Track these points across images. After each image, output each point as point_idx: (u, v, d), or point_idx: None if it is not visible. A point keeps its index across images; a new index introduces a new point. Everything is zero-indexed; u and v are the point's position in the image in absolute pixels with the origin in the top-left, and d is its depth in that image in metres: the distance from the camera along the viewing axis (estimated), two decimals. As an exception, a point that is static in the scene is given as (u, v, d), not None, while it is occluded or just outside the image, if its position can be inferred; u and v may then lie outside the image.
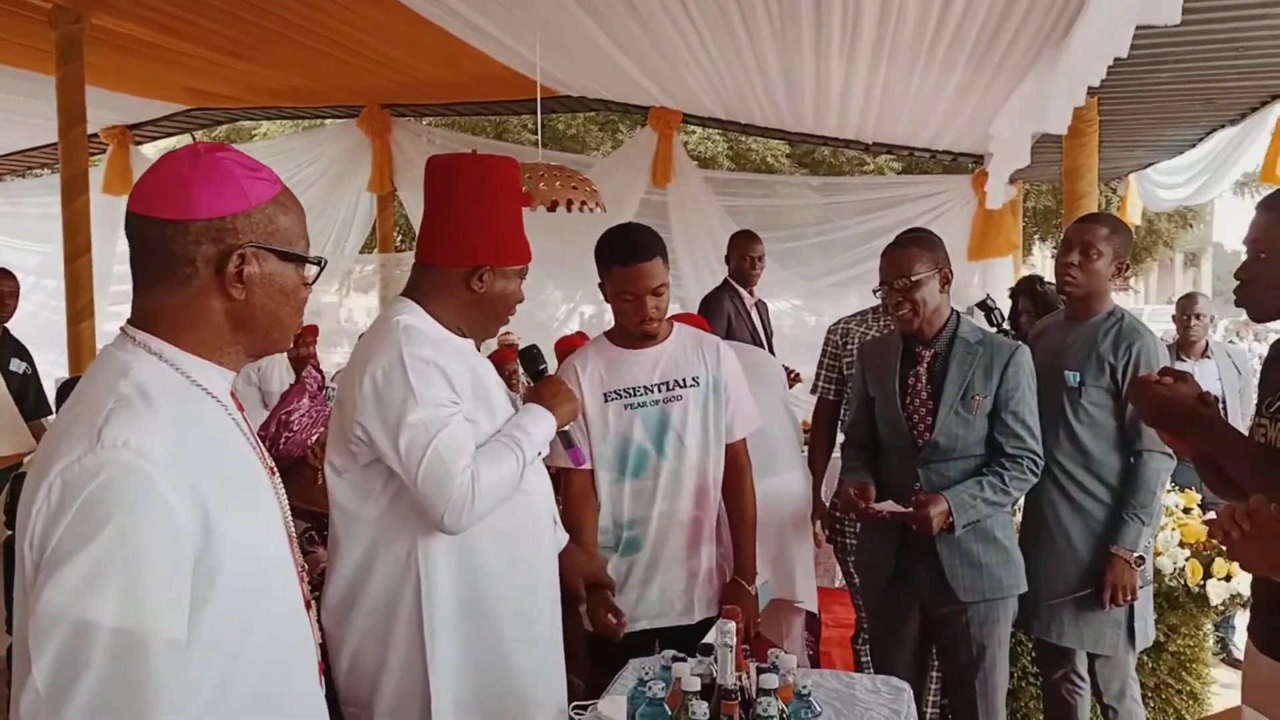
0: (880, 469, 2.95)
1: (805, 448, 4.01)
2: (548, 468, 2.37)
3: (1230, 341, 14.35)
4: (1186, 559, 3.53)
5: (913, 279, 2.80)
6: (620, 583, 2.73)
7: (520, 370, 5.08)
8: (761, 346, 5.01)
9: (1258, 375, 2.26)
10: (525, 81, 6.44)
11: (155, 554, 1.16)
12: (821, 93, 6.83)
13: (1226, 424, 2.00)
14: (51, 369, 6.57)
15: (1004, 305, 4.93)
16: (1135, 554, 2.91)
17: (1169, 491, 3.79)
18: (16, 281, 4.94)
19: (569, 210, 5.03)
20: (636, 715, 1.80)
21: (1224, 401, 5.11)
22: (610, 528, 2.74)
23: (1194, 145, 7.12)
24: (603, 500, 2.75)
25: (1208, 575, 3.51)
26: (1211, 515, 3.75)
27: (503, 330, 8.27)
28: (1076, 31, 3.72)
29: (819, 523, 3.83)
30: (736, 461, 2.84)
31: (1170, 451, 2.82)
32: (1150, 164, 7.98)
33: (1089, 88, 3.95)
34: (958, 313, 2.91)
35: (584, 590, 2.49)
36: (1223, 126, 6.50)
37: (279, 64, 7.33)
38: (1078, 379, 2.97)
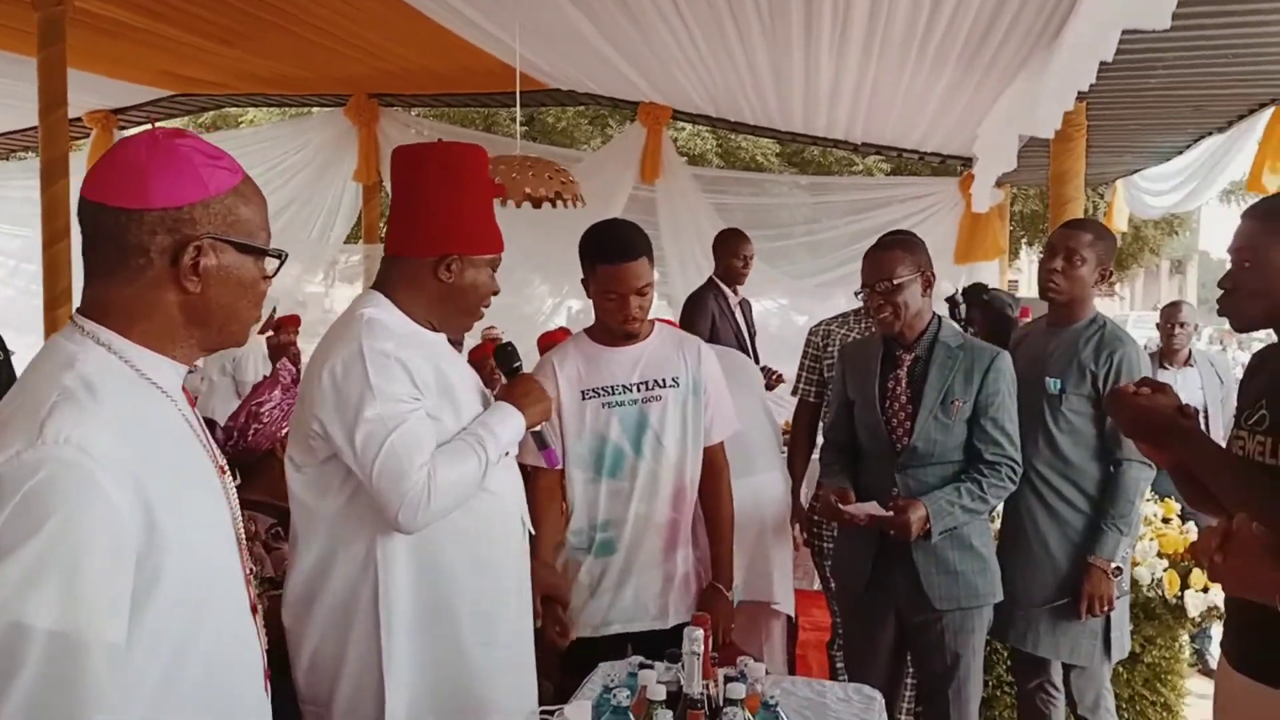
0: (858, 473, 2.92)
1: (785, 449, 3.99)
2: (520, 466, 2.34)
3: (1221, 348, 14.39)
4: (1164, 570, 3.51)
5: (894, 282, 2.77)
6: (594, 585, 2.69)
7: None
8: (745, 346, 4.98)
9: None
10: (512, 73, 6.39)
11: (95, 554, 1.12)
12: (811, 91, 6.81)
13: (1205, 436, 1.98)
14: (31, 355, 6.51)
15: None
16: (1113, 564, 2.89)
17: (1148, 501, 3.77)
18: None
19: (552, 206, 4.97)
20: (600, 723, 1.76)
21: (1206, 411, 5.11)
22: (585, 529, 2.70)
23: (1181, 152, 7.12)
24: (577, 500, 2.71)
25: (1185, 586, 3.49)
26: (1191, 526, 3.74)
27: (486, 324, 8.31)
28: (1067, 33, 3.70)
29: (797, 526, 3.80)
30: (714, 464, 2.81)
31: (1150, 461, 2.80)
32: (1138, 170, 7.99)
33: (1078, 92, 3.93)
34: (939, 317, 2.88)
35: (539, 604, 2.44)
36: (1210, 134, 6.49)
37: (265, 51, 7.26)
38: (1058, 386, 2.95)
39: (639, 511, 2.68)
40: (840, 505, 2.73)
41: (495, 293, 2.12)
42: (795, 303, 8.77)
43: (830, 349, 3.79)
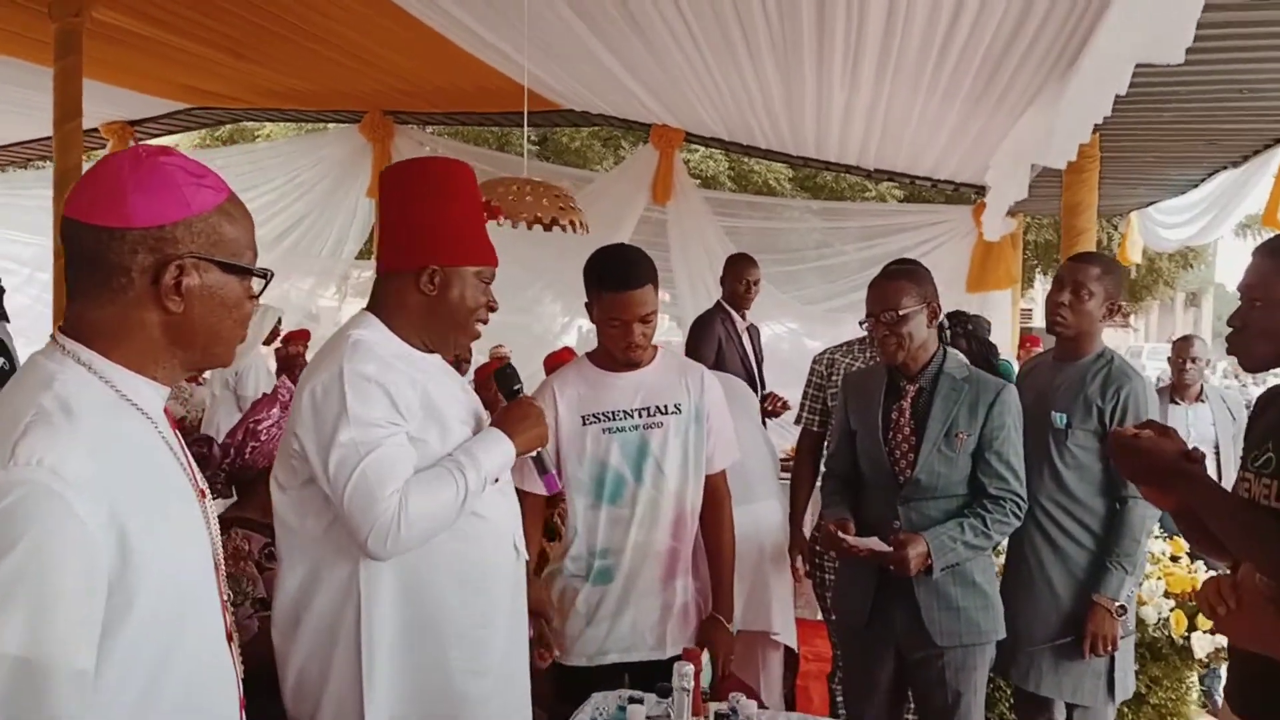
0: (860, 504, 2.88)
1: (782, 476, 3.96)
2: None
3: (1242, 384, 14.30)
4: (1171, 609, 3.46)
5: (899, 313, 2.74)
6: (591, 613, 2.66)
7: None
8: (752, 371, 4.95)
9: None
10: (530, 95, 6.40)
11: (65, 579, 1.10)
12: (823, 117, 6.81)
13: (1209, 480, 1.94)
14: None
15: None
16: (1117, 603, 2.85)
17: (1156, 539, 3.72)
18: (-2, 279, 4.87)
19: (545, 229, 4.96)
20: (588, 757, 1.73)
21: (1218, 447, 5.05)
22: (584, 555, 2.68)
23: (1196, 185, 7.09)
24: (578, 526, 2.68)
25: (1192, 627, 3.44)
26: (1199, 565, 3.69)
27: (494, 343, 8.30)
28: (1083, 65, 3.68)
29: (799, 556, 3.76)
30: (716, 493, 2.77)
31: (1155, 501, 2.76)
32: (1152, 202, 7.95)
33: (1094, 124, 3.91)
34: (945, 348, 2.85)
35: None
36: (1225, 168, 6.46)
37: (281, 66, 7.31)
38: (1064, 421, 2.91)
39: (638, 539, 2.65)
40: (840, 536, 2.69)
41: (492, 308, 2.09)
42: (807, 328, 8.74)
43: (834, 377, 3.76)
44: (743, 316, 5.11)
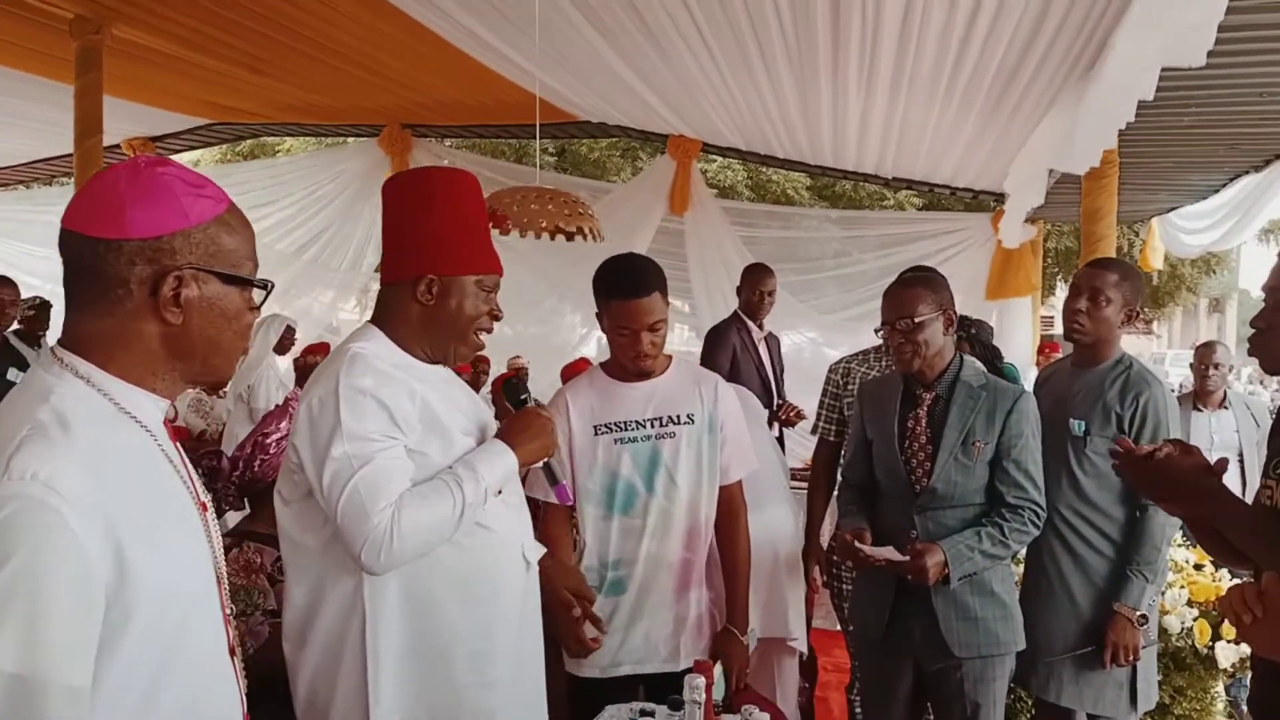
0: (877, 514, 2.86)
1: (797, 486, 3.94)
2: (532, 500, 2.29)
3: (1251, 391, 14.14)
4: (1194, 619, 3.41)
5: (915, 320, 2.71)
6: (604, 624, 2.64)
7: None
8: (768, 381, 4.93)
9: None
10: (546, 106, 6.43)
11: (59, 594, 1.09)
12: (839, 126, 6.79)
13: (1229, 493, 1.91)
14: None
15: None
16: (1139, 612, 2.81)
17: (1179, 546, 3.68)
18: (17, 290, 4.89)
19: (568, 239, 4.95)
20: (601, 769, 1.72)
21: (1242, 454, 5.00)
22: (595, 566, 2.66)
23: (1217, 190, 7.02)
24: (589, 537, 2.67)
25: (1217, 636, 3.39)
26: (1224, 574, 3.64)
27: (512, 353, 8.29)
28: (1106, 71, 3.66)
29: (816, 567, 3.74)
30: (731, 504, 2.75)
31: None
32: (1173, 208, 7.88)
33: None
34: (961, 355, 2.83)
35: (572, 600, 2.43)
36: (1247, 172, 6.40)
37: (300, 81, 7.37)
38: (1083, 428, 2.88)
39: (650, 550, 2.63)
40: (857, 545, 2.67)
41: (495, 317, 2.06)
42: (827, 337, 8.71)
43: (850, 386, 3.74)
44: (759, 326, 5.09)
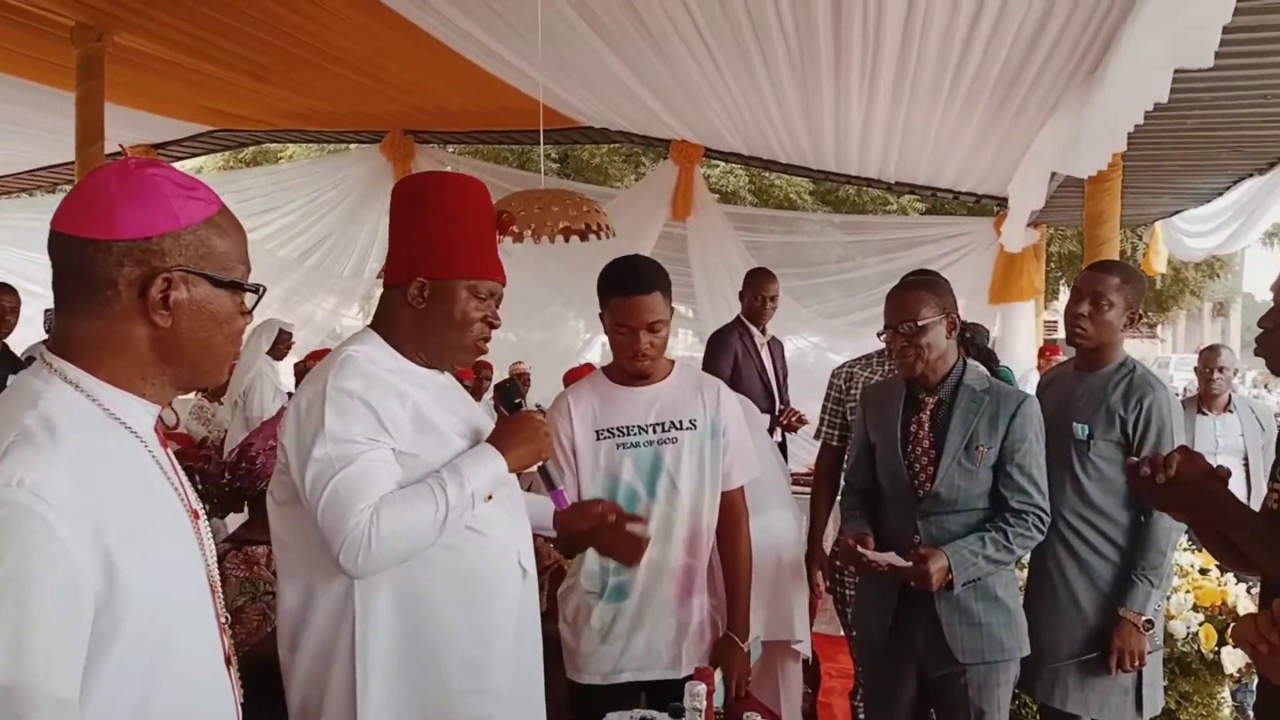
0: (880, 519, 2.84)
1: (800, 491, 3.92)
2: None
3: (1255, 394, 14.11)
4: (1200, 624, 3.39)
5: (918, 323, 2.70)
6: (605, 631, 2.63)
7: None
8: (770, 386, 4.92)
9: None
10: (549, 112, 6.42)
11: (45, 603, 1.07)
12: (842, 131, 6.79)
13: (1236, 500, 1.89)
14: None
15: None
16: (1144, 617, 2.79)
17: (1184, 550, 3.65)
18: (18, 297, 4.87)
19: (582, 239, 4.94)
20: (601, 778, 1.70)
21: (1247, 458, 4.97)
22: (597, 572, 2.65)
23: (1221, 194, 7.01)
24: None
25: (1222, 641, 3.36)
26: (1229, 578, 3.62)
27: (514, 359, 8.28)
28: (1112, 73, 3.64)
29: (819, 572, 3.72)
30: (733, 510, 2.73)
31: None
32: (1177, 212, 7.87)
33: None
34: (964, 359, 2.81)
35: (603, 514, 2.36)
36: (1251, 175, 6.38)
37: (303, 88, 7.37)
38: (1086, 431, 2.86)
39: (652, 556, 2.60)
40: (860, 551, 2.65)
41: (491, 325, 2.03)
42: (830, 342, 8.71)
43: (853, 391, 3.72)
44: (762, 331, 5.07)
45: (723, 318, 6.87)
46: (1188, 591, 3.48)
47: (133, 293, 1.22)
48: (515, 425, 2.04)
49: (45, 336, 5.22)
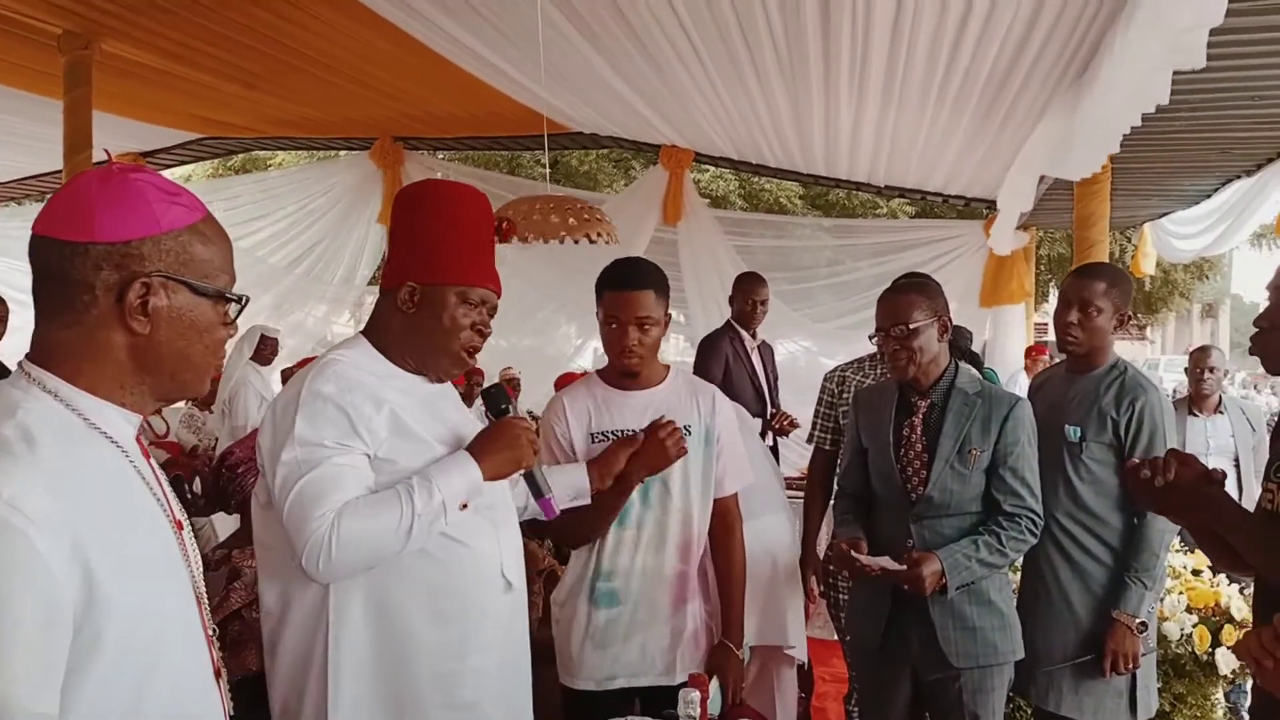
0: (873, 523, 2.83)
1: (793, 496, 3.91)
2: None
3: (1245, 395, 14.15)
4: (1194, 625, 3.39)
5: (910, 326, 2.69)
6: (598, 637, 2.61)
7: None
8: (762, 390, 4.91)
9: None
10: (536, 117, 6.42)
11: (23, 618, 1.04)
12: (831, 135, 6.80)
13: (1230, 501, 1.89)
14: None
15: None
16: (1138, 619, 2.79)
17: (1177, 552, 3.65)
18: (6, 307, 4.84)
19: (590, 242, 4.92)
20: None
21: (1238, 459, 4.98)
22: (589, 577, 2.63)
23: (1209, 195, 7.03)
24: (582, 547, 2.64)
25: (1216, 643, 3.36)
26: (1221, 579, 3.62)
27: (504, 365, 8.25)
28: (1107, 77, 3.64)
29: (813, 576, 3.71)
30: (726, 517, 2.72)
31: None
32: (1165, 214, 7.90)
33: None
34: (956, 363, 2.81)
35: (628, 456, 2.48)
36: (1239, 177, 6.41)
37: (291, 95, 7.36)
38: (1078, 434, 2.86)
39: (645, 563, 2.60)
40: (853, 555, 2.65)
41: (481, 333, 2.01)
42: (821, 346, 8.72)
43: (846, 395, 3.71)
44: (752, 335, 5.07)
45: (714, 322, 6.86)
46: (1181, 593, 3.48)
47: (110, 297, 1.20)
48: (495, 432, 2.01)
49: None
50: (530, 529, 2.43)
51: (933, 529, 2.68)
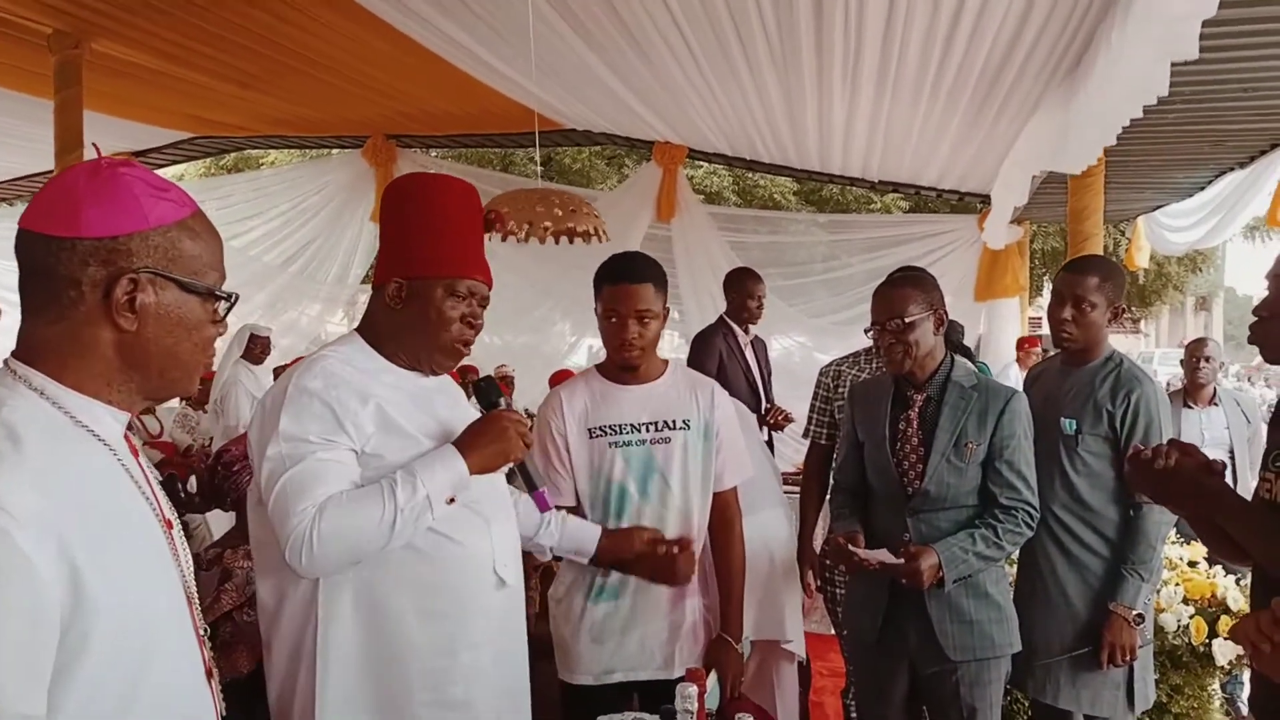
0: (869, 517, 2.83)
1: (790, 490, 3.91)
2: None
3: (1239, 387, 14.19)
4: (1190, 616, 3.39)
5: (905, 320, 2.69)
6: (596, 631, 2.61)
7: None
8: (755, 385, 4.91)
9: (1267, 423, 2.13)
10: (529, 114, 6.41)
11: (9, 618, 1.03)
12: (825, 130, 6.79)
13: (1230, 491, 1.88)
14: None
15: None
16: (1135, 611, 2.79)
17: (1173, 543, 3.66)
18: (-2, 310, 4.85)
19: (585, 241, 4.91)
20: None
21: (1232, 450, 4.99)
22: (589, 571, 2.63)
23: (1203, 188, 7.05)
24: None
25: (1213, 634, 3.37)
26: (1218, 570, 3.62)
27: (499, 362, 8.24)
28: (1103, 71, 3.64)
29: (810, 571, 3.71)
30: (725, 511, 2.71)
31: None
32: (1159, 206, 7.91)
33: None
34: (952, 356, 2.80)
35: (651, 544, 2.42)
36: (1232, 169, 6.42)
37: (283, 93, 7.33)
38: (1074, 427, 2.86)
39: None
40: (850, 549, 2.64)
41: (472, 325, 2.00)
42: (817, 341, 8.72)
43: (841, 389, 3.71)
44: (746, 331, 5.06)
45: (709, 318, 6.84)
46: (1177, 584, 3.49)
47: (97, 293, 1.18)
48: (481, 426, 1.99)
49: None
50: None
51: (929, 523, 2.68)
